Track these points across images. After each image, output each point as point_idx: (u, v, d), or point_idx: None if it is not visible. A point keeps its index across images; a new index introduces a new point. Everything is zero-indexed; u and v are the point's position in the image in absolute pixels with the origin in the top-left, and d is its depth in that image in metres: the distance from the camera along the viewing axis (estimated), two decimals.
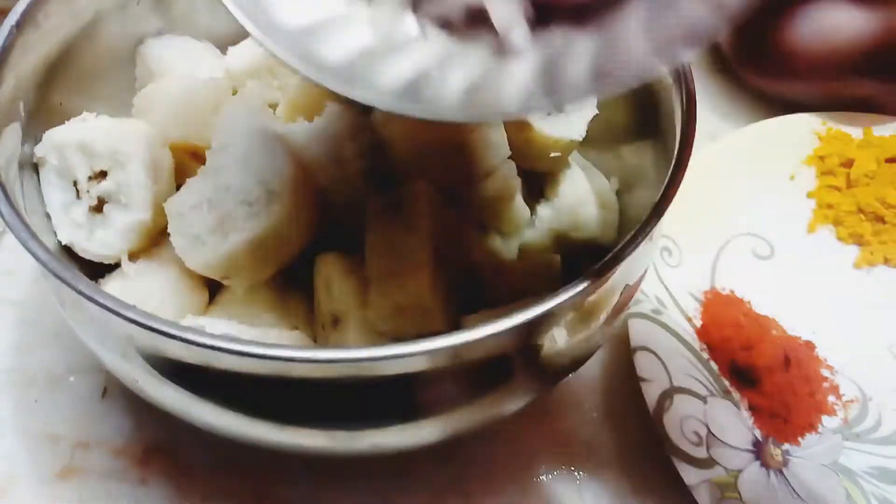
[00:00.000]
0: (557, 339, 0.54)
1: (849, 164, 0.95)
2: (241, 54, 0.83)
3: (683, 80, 0.67)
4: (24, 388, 0.77)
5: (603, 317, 0.58)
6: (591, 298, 0.53)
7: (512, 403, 0.60)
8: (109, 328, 0.56)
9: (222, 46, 0.86)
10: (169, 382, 0.57)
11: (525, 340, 0.52)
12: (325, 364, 0.47)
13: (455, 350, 0.48)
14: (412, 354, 0.47)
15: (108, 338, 0.58)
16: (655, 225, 0.55)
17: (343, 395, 0.52)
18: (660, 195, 0.57)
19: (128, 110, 0.80)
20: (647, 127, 0.75)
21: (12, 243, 0.86)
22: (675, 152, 0.60)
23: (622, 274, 0.56)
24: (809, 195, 0.95)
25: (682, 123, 0.61)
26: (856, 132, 0.97)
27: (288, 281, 0.71)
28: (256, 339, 0.62)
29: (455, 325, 0.65)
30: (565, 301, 0.49)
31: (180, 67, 0.79)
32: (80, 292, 0.51)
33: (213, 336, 0.46)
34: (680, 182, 0.57)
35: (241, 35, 0.86)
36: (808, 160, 0.96)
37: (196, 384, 0.55)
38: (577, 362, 0.62)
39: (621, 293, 0.59)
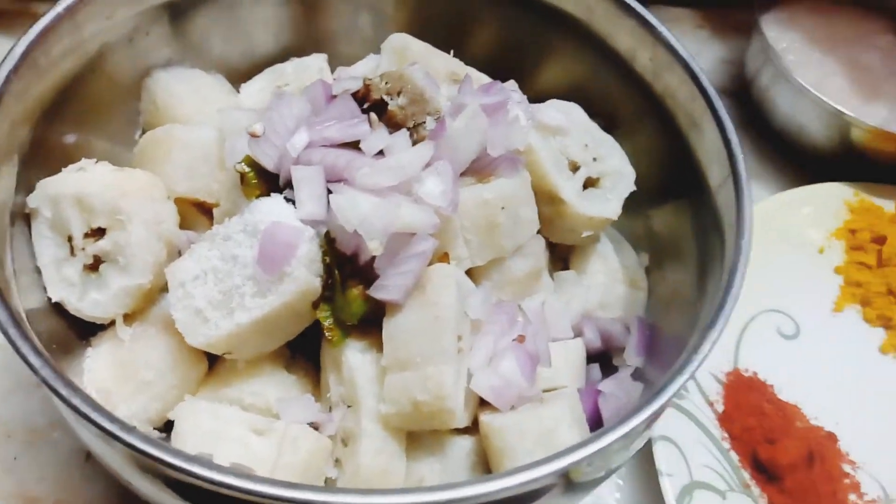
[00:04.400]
0: (597, 464, 0.50)
1: (881, 240, 0.91)
2: (254, 92, 0.78)
3: (727, 145, 0.62)
4: (1, 441, 0.72)
5: (642, 434, 0.54)
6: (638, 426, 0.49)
7: None
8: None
9: (235, 79, 0.80)
10: (152, 481, 0.52)
11: (565, 475, 0.48)
12: None
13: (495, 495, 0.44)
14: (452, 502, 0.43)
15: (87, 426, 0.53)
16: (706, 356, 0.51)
17: None
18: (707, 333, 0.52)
19: (130, 144, 0.74)
20: (681, 192, 0.71)
21: None
22: (725, 276, 0.55)
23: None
24: (837, 270, 0.91)
25: (735, 233, 0.56)
26: (888, 205, 0.94)
27: (292, 347, 0.66)
28: (266, 428, 0.57)
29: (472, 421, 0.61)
30: (614, 441, 0.45)
31: (189, 103, 0.74)
32: (62, 398, 0.45)
33: (220, 470, 0.41)
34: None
35: (255, 68, 0.81)
36: (837, 233, 0.92)
37: (184, 492, 0.50)
38: (610, 473, 0.58)
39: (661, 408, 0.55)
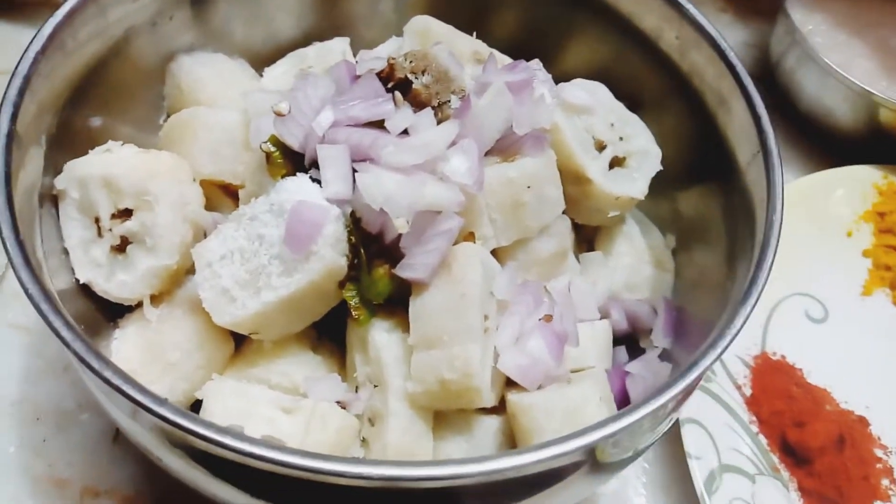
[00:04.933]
0: (623, 444, 0.49)
1: None
2: (277, 76, 0.78)
3: (757, 121, 0.61)
4: (31, 424, 0.72)
5: (670, 415, 0.53)
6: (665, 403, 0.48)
7: (563, 502, 0.55)
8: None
9: (257, 64, 0.80)
10: (181, 455, 0.52)
11: (591, 453, 0.47)
12: (364, 480, 0.42)
13: (518, 469, 0.44)
14: (469, 475, 0.42)
15: (117, 401, 0.54)
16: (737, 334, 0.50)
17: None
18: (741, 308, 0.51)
19: (154, 129, 0.75)
20: (709, 173, 0.70)
21: None
22: (756, 253, 0.54)
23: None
24: (865, 254, 0.90)
25: (766, 219, 0.55)
26: None
27: (318, 328, 0.66)
28: (293, 406, 0.57)
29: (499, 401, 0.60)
30: (641, 418, 0.44)
31: (212, 87, 0.74)
32: (94, 371, 0.46)
33: (251, 442, 0.41)
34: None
35: (278, 52, 0.81)
36: (866, 216, 0.91)
37: (214, 467, 0.50)
38: (638, 454, 0.57)
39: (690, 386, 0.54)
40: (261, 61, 0.81)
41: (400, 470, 0.42)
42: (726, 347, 0.50)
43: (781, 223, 0.55)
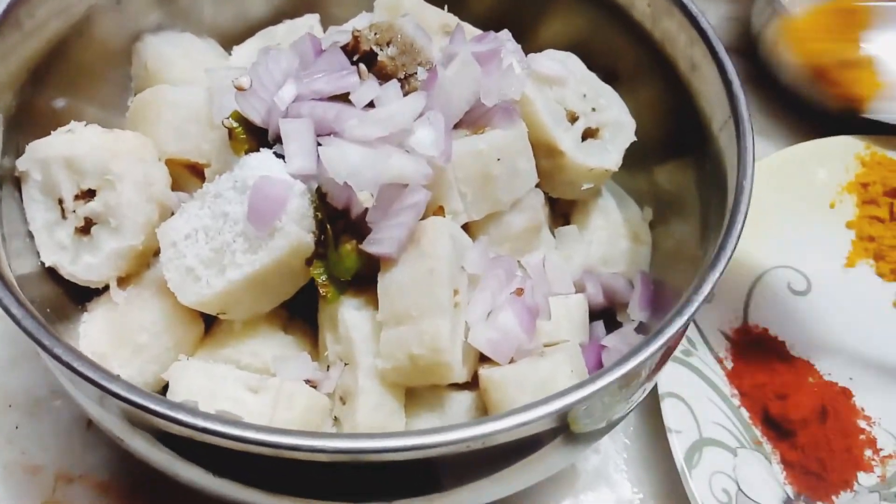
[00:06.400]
0: (596, 413, 0.48)
1: (893, 193, 0.88)
2: (246, 55, 0.76)
3: (728, 86, 0.60)
4: (2, 410, 0.72)
5: (643, 385, 0.52)
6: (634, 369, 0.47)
7: (540, 475, 0.55)
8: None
9: (227, 43, 0.79)
10: (144, 437, 0.51)
11: (563, 421, 0.47)
12: (332, 454, 0.41)
13: (483, 439, 0.43)
14: (436, 445, 0.41)
15: (81, 386, 0.53)
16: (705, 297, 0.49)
17: (352, 476, 0.47)
18: (708, 267, 0.51)
19: (122, 110, 0.73)
20: (684, 144, 0.69)
21: None
22: (727, 217, 0.53)
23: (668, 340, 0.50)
24: (849, 225, 0.89)
25: (737, 175, 0.54)
26: None
27: (290, 308, 0.65)
28: (260, 385, 0.56)
29: (472, 375, 0.60)
30: (609, 384, 0.43)
31: (179, 67, 0.72)
32: (60, 360, 0.45)
33: (207, 417, 0.40)
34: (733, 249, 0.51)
35: (248, 31, 0.80)
36: (849, 187, 0.90)
37: (173, 445, 0.49)
38: (612, 425, 0.57)
39: (662, 355, 0.53)
40: (231, 41, 0.79)
41: (357, 442, 0.41)
42: (693, 313, 0.49)
43: (752, 188, 0.54)
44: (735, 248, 0.51)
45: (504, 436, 0.44)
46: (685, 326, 0.49)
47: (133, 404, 0.42)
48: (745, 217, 0.52)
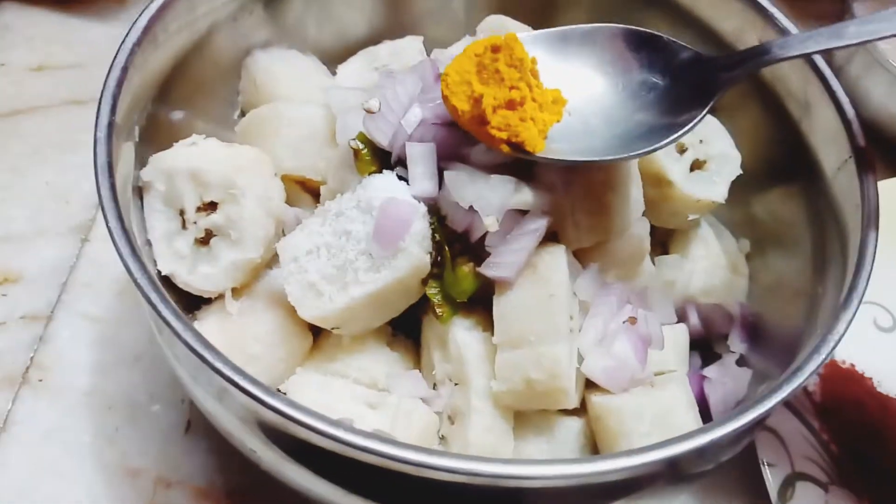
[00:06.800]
0: (710, 455, 0.49)
1: None
2: (351, 74, 0.78)
3: (847, 126, 0.61)
4: (103, 413, 0.73)
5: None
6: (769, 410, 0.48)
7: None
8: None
9: (328, 61, 0.81)
10: (267, 442, 0.52)
11: (675, 465, 0.47)
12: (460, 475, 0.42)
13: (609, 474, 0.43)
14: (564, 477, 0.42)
15: (205, 379, 0.54)
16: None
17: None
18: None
19: (228, 125, 0.75)
20: (788, 178, 0.70)
21: (94, 254, 0.82)
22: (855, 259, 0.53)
23: None
24: None
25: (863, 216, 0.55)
26: None
27: (392, 324, 0.66)
28: (378, 402, 0.57)
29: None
30: (734, 431, 0.44)
31: (286, 84, 0.74)
32: (204, 361, 0.46)
33: (361, 435, 0.41)
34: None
35: (346, 50, 0.81)
36: None
37: (302, 455, 0.50)
38: (717, 467, 0.57)
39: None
40: (330, 59, 0.81)
41: (504, 468, 0.42)
42: (830, 352, 0.49)
43: (877, 238, 0.54)
44: (859, 305, 0.51)
45: (621, 474, 0.44)
46: (821, 365, 0.49)
47: (285, 416, 0.43)
48: (870, 272, 0.52)
